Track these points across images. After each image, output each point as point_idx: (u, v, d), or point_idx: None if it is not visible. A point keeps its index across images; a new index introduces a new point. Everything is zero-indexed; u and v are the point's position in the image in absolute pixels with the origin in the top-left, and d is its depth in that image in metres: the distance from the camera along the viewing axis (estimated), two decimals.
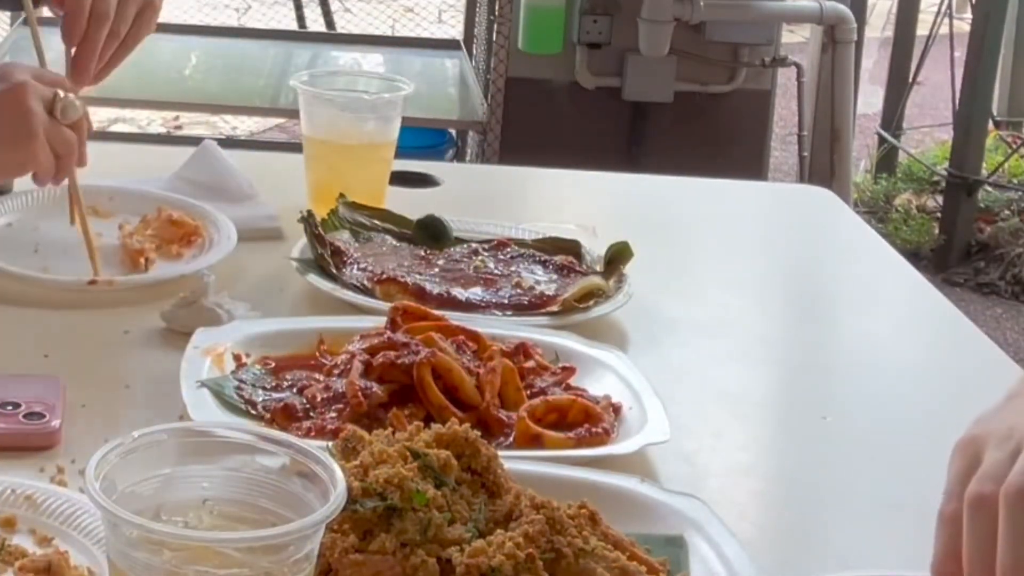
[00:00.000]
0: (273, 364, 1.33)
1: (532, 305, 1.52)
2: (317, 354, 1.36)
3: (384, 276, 1.55)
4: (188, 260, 1.60)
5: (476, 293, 1.54)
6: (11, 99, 1.44)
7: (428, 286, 1.53)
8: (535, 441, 1.23)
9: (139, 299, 1.51)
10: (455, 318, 1.39)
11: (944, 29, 5.33)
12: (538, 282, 1.58)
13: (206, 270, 1.50)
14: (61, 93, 1.46)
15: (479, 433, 1.02)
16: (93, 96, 3.56)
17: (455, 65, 4.18)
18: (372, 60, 4.15)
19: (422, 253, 1.64)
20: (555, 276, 1.59)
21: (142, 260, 1.58)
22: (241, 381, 1.29)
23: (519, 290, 1.55)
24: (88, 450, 0.91)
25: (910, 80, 5.43)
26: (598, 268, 1.60)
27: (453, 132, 4.25)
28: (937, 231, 5.20)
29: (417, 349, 1.27)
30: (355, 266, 1.57)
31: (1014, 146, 5.65)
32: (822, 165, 4.44)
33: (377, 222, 1.68)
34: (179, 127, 5.77)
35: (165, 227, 1.66)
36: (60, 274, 1.55)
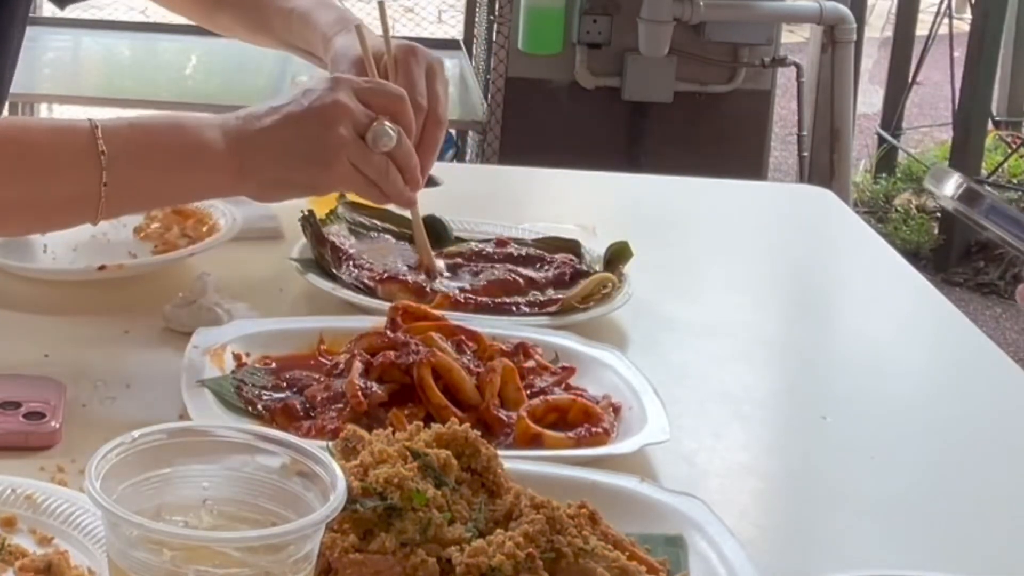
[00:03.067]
0: (273, 364, 1.33)
1: (536, 304, 1.52)
2: (317, 354, 1.36)
3: (386, 275, 1.54)
4: (197, 242, 1.61)
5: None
6: (322, 118, 1.35)
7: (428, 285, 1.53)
8: (535, 441, 1.22)
9: (141, 297, 1.51)
10: (455, 318, 1.39)
11: (944, 29, 5.34)
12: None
13: (206, 272, 1.50)
14: (378, 121, 1.36)
15: (479, 433, 1.02)
16: (94, 96, 3.57)
17: (455, 65, 4.17)
18: None
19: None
20: (552, 275, 1.58)
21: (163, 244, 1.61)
22: (241, 381, 1.29)
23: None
24: (88, 450, 0.91)
25: (910, 80, 5.43)
26: (598, 268, 1.60)
27: (453, 132, 4.25)
28: (937, 231, 5.20)
29: (417, 349, 1.27)
30: (351, 262, 1.56)
31: (1014, 146, 5.65)
32: (822, 165, 4.44)
33: (377, 222, 1.68)
34: None
35: (170, 217, 1.66)
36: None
